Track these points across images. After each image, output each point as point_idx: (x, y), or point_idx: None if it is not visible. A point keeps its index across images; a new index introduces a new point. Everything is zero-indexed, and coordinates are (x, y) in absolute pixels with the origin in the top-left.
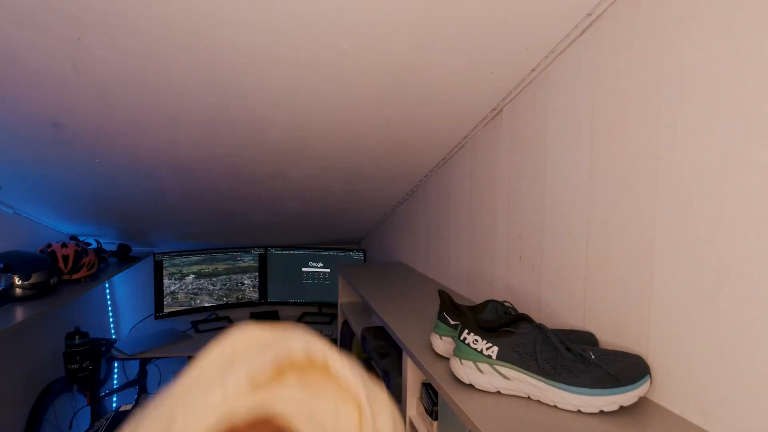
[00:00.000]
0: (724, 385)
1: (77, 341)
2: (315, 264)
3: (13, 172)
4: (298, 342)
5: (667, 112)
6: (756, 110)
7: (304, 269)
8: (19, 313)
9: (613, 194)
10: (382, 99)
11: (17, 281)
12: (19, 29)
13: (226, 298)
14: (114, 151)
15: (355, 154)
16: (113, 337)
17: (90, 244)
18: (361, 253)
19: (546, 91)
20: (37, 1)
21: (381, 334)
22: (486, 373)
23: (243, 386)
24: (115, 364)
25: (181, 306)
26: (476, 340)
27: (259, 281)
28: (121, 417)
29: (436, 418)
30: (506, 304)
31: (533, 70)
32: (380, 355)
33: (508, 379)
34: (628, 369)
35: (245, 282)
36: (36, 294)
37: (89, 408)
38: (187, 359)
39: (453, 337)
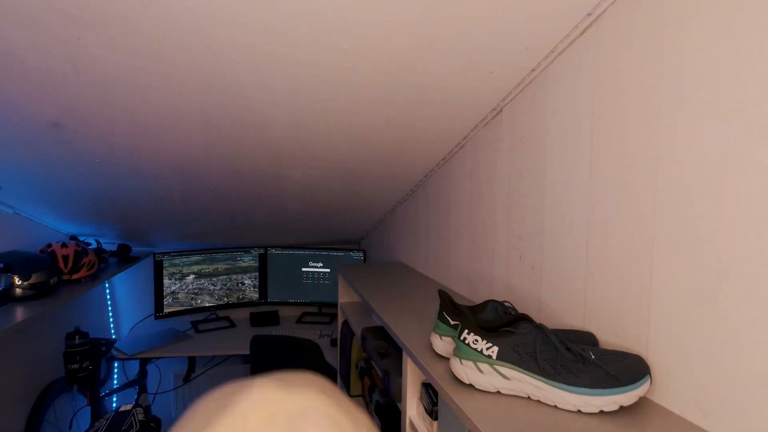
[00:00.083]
0: (724, 385)
1: (77, 341)
2: (315, 264)
3: (13, 172)
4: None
5: (667, 112)
6: (756, 110)
7: (304, 269)
8: (19, 313)
9: (613, 194)
10: (382, 99)
11: (17, 281)
12: (19, 29)
13: (227, 298)
14: (114, 151)
15: (355, 154)
16: (113, 337)
17: (90, 244)
18: (361, 253)
19: (546, 91)
20: (37, 1)
21: (381, 334)
22: (486, 373)
23: None
24: (115, 364)
25: (182, 306)
26: (476, 340)
27: (259, 281)
28: (121, 417)
29: (436, 418)
30: (506, 304)
31: (533, 70)
32: (380, 355)
33: (508, 379)
34: (628, 369)
35: (246, 282)
36: (36, 294)
37: (89, 408)
38: (187, 359)
39: (453, 337)
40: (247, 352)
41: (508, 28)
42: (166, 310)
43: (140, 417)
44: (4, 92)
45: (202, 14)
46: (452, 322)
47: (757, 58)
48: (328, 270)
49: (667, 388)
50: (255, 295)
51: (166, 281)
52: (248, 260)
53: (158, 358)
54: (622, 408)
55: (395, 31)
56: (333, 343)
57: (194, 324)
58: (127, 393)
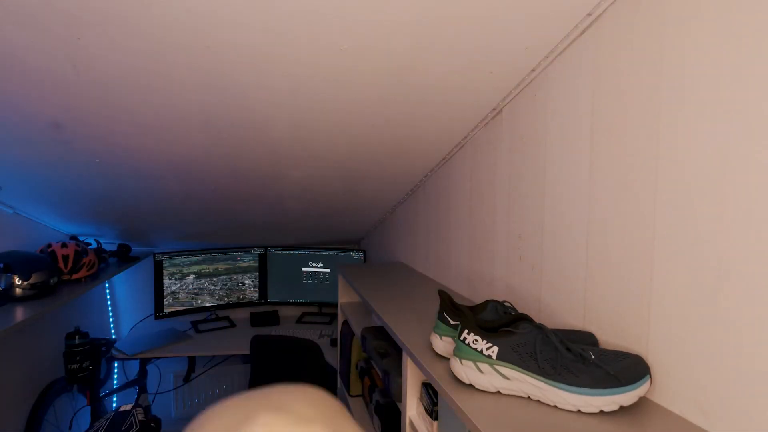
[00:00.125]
0: (724, 385)
1: (77, 341)
2: (315, 264)
3: (13, 172)
4: None
5: (667, 112)
6: (756, 110)
7: (304, 269)
8: (19, 313)
9: (613, 194)
10: (382, 99)
11: (17, 281)
12: (19, 29)
13: (227, 298)
14: (114, 151)
15: (355, 154)
16: (113, 337)
17: (90, 244)
18: (361, 253)
19: (546, 91)
20: (37, 1)
21: (381, 334)
22: (486, 373)
23: None
24: (115, 364)
25: (183, 306)
26: (476, 340)
27: (259, 281)
28: (121, 417)
29: (436, 418)
30: (506, 304)
31: (533, 70)
32: (380, 355)
33: (508, 379)
34: (628, 369)
35: (246, 282)
36: (36, 294)
37: (89, 408)
38: (187, 359)
39: (453, 337)
40: (247, 352)
41: (508, 28)
42: (166, 310)
43: (140, 417)
44: (4, 92)
45: (202, 14)
46: (452, 322)
47: (757, 58)
48: (328, 270)
49: (667, 388)
50: (255, 295)
51: (166, 281)
52: (248, 260)
53: (158, 358)
54: (622, 408)
55: (395, 31)
56: (333, 343)
57: (194, 324)
58: (127, 393)
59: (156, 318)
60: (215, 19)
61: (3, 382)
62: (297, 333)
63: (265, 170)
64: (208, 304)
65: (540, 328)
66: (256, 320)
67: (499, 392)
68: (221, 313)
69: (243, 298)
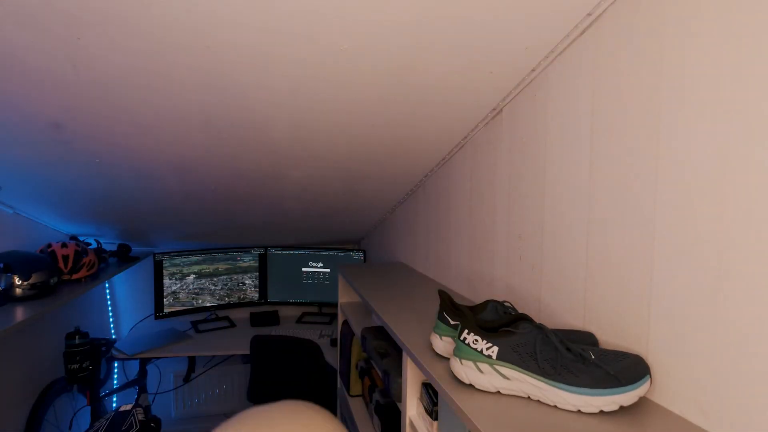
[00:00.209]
0: (724, 385)
1: (77, 341)
2: (315, 264)
3: (13, 172)
4: None
5: (667, 112)
6: (756, 110)
7: (304, 269)
8: (19, 313)
9: (613, 194)
10: (382, 99)
11: (17, 281)
12: (19, 29)
13: (228, 298)
14: (114, 151)
15: (355, 154)
16: (113, 337)
17: (90, 244)
18: (361, 253)
19: (546, 91)
20: (37, 1)
21: (381, 334)
22: (486, 373)
23: None
24: (115, 364)
25: (183, 306)
26: (476, 340)
27: (259, 281)
28: (121, 417)
29: (436, 418)
30: (506, 304)
31: (533, 70)
32: (380, 355)
33: (508, 379)
34: (628, 369)
35: (246, 282)
36: (36, 294)
37: (89, 408)
38: (187, 359)
39: (453, 337)
40: (247, 352)
41: (508, 28)
42: (167, 310)
43: (140, 417)
44: (4, 92)
45: (202, 14)
46: (452, 322)
47: (757, 58)
48: (328, 270)
49: (667, 388)
50: (255, 295)
51: (166, 281)
52: (248, 260)
53: (158, 358)
54: (622, 408)
55: (395, 31)
56: (333, 343)
57: (194, 324)
58: (127, 393)
59: (156, 318)
60: (215, 19)
61: (3, 382)
62: (297, 333)
63: (265, 170)
64: (208, 304)
65: (540, 328)
66: (256, 320)
67: (499, 392)
68: (221, 313)
69: (244, 298)
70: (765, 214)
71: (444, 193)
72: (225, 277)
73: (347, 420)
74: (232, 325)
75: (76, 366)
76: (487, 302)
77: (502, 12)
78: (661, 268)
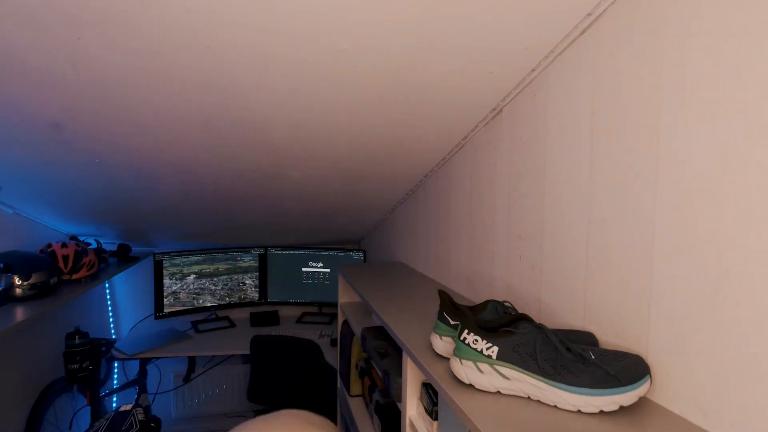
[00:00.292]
0: (724, 385)
1: (77, 341)
2: (315, 264)
3: (13, 172)
4: None
5: (667, 112)
6: (756, 110)
7: (304, 269)
8: (19, 313)
9: (613, 194)
10: (382, 99)
11: (17, 281)
12: (19, 29)
13: (229, 298)
14: (114, 151)
15: (355, 154)
16: (113, 337)
17: (90, 244)
18: (361, 253)
19: (546, 91)
20: (37, 1)
21: (381, 334)
22: (486, 373)
23: None
24: (115, 364)
25: (184, 306)
26: (476, 340)
27: (259, 281)
28: (121, 417)
29: (436, 418)
30: (506, 304)
31: (533, 70)
32: (380, 355)
33: (508, 379)
34: (628, 369)
35: (247, 282)
36: (36, 294)
37: (89, 408)
38: (187, 359)
39: (453, 337)
40: (247, 352)
41: (508, 28)
42: (168, 310)
43: (140, 417)
44: (4, 92)
45: (202, 14)
46: (452, 322)
47: (757, 58)
48: (328, 270)
49: (667, 388)
50: (255, 295)
51: (166, 281)
52: (248, 260)
53: (158, 358)
54: (622, 408)
55: (395, 31)
56: (333, 343)
57: (194, 324)
58: (127, 393)
59: (156, 318)
60: (215, 19)
61: (3, 382)
62: (297, 333)
63: (265, 170)
64: (209, 304)
65: (540, 328)
66: (256, 320)
67: (499, 392)
68: (221, 313)
69: (244, 298)
70: (765, 214)
71: (444, 193)
72: (225, 277)
73: (347, 420)
74: (232, 325)
75: (76, 366)
76: (487, 302)
77: (502, 12)
78: (661, 268)
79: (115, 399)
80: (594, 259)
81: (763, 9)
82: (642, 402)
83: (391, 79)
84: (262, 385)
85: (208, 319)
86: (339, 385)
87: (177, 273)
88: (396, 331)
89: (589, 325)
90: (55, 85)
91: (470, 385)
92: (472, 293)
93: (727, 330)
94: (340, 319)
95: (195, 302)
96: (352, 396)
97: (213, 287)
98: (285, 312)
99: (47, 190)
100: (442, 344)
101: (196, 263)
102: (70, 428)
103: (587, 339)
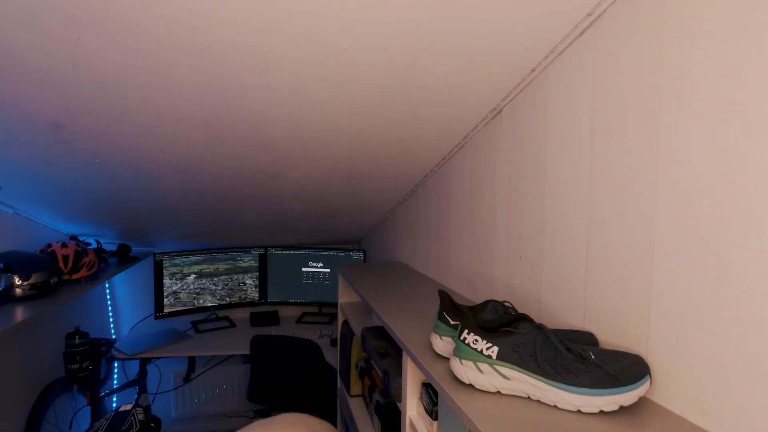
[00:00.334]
0: (724, 385)
1: (77, 341)
2: (315, 264)
3: (13, 172)
4: None
5: (667, 112)
6: (756, 110)
7: (304, 269)
8: (19, 313)
9: (613, 194)
10: (382, 99)
11: (17, 281)
12: (19, 29)
13: (229, 298)
14: (114, 151)
15: (355, 154)
16: (113, 337)
17: (90, 244)
18: (361, 253)
19: (546, 91)
20: (37, 1)
21: (381, 334)
22: (486, 373)
23: None
24: (115, 364)
25: (185, 306)
26: (476, 340)
27: (259, 281)
28: (121, 417)
29: (436, 418)
30: (506, 304)
31: (533, 70)
32: (380, 355)
33: (508, 379)
34: (628, 369)
35: (247, 282)
36: (36, 294)
37: (89, 408)
38: (187, 359)
39: (453, 337)
40: (247, 352)
41: (508, 28)
42: (168, 310)
43: (140, 417)
44: (4, 92)
45: (202, 14)
46: (452, 322)
47: (757, 58)
48: (328, 270)
49: (667, 388)
50: (256, 295)
51: (167, 281)
52: (248, 260)
53: (158, 358)
54: (622, 408)
55: (395, 31)
56: (333, 343)
57: (194, 324)
58: (127, 393)
59: (156, 318)
60: (215, 19)
61: (3, 382)
62: (297, 333)
63: (265, 170)
64: (210, 304)
65: (540, 328)
66: (256, 320)
67: (499, 392)
68: (221, 313)
69: (245, 298)
70: (765, 214)
71: (444, 193)
72: (225, 277)
73: (347, 420)
74: (232, 325)
75: (76, 366)
76: (487, 302)
77: (502, 12)
78: (661, 268)
79: (115, 399)
80: (594, 259)
81: (763, 9)
82: (642, 402)
83: (391, 79)
84: (262, 385)
85: (208, 319)
86: (339, 385)
87: (177, 273)
88: (396, 331)
89: (589, 325)
90: (55, 85)
91: (470, 385)
92: (472, 293)
93: (727, 330)
94: (340, 319)
95: (195, 302)
96: (352, 396)
97: (213, 287)
98: (285, 312)
99: (47, 190)
100: (442, 344)
101: (196, 263)
102: (70, 428)
103: (587, 339)
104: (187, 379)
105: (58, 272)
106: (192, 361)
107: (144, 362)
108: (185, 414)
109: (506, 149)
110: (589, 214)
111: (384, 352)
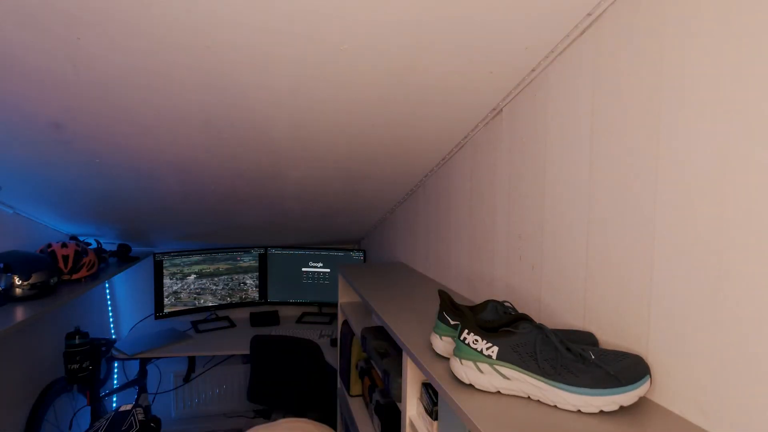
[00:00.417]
0: (724, 385)
1: (77, 341)
2: (315, 264)
3: (13, 172)
4: None
5: (667, 112)
6: (756, 110)
7: (304, 269)
8: (19, 313)
9: (613, 194)
10: (382, 99)
11: (17, 281)
12: (19, 29)
13: (230, 298)
14: (114, 151)
15: (355, 154)
16: (113, 337)
17: (90, 244)
18: (361, 253)
19: (546, 91)
20: (37, 1)
21: (381, 334)
22: (486, 373)
23: None
24: (115, 364)
25: (185, 306)
26: (476, 340)
27: (259, 281)
28: (121, 417)
29: (436, 418)
30: (506, 304)
31: (533, 70)
32: (380, 355)
33: (508, 379)
34: (628, 369)
35: (248, 282)
36: (36, 294)
37: (89, 408)
38: (187, 359)
39: (453, 337)
40: (247, 352)
41: (508, 28)
42: (168, 310)
43: (140, 417)
44: (4, 92)
45: (202, 14)
46: (452, 322)
47: (757, 58)
48: (328, 270)
49: (667, 388)
50: (256, 295)
51: (167, 281)
52: (248, 260)
53: (158, 358)
54: (622, 408)
55: (395, 31)
56: (333, 343)
57: (194, 324)
58: (127, 393)
59: (156, 318)
60: (215, 19)
61: (3, 382)
62: (297, 333)
63: (265, 170)
64: (210, 304)
65: (540, 328)
66: (256, 320)
67: (499, 392)
68: (221, 313)
69: (245, 298)
70: (765, 214)
71: (444, 193)
72: (226, 277)
73: (347, 420)
74: (232, 325)
75: (76, 366)
76: (487, 302)
77: (502, 12)
78: (661, 268)
79: (115, 399)
80: (594, 259)
81: (763, 9)
82: (642, 402)
83: (391, 79)
84: (262, 385)
85: (208, 319)
86: (339, 385)
87: (177, 273)
88: (396, 331)
89: (589, 325)
90: (55, 85)
91: (470, 385)
92: (472, 293)
93: (727, 330)
94: (340, 319)
95: (196, 302)
96: (352, 396)
97: (214, 287)
98: (285, 312)
99: (47, 190)
100: (442, 344)
101: (197, 263)
102: (70, 428)
103: (587, 339)
104: (187, 379)
105: (58, 272)
106: (192, 361)
107: (144, 362)
108: (185, 414)
109: (506, 149)
110: (589, 214)
111: (384, 352)
